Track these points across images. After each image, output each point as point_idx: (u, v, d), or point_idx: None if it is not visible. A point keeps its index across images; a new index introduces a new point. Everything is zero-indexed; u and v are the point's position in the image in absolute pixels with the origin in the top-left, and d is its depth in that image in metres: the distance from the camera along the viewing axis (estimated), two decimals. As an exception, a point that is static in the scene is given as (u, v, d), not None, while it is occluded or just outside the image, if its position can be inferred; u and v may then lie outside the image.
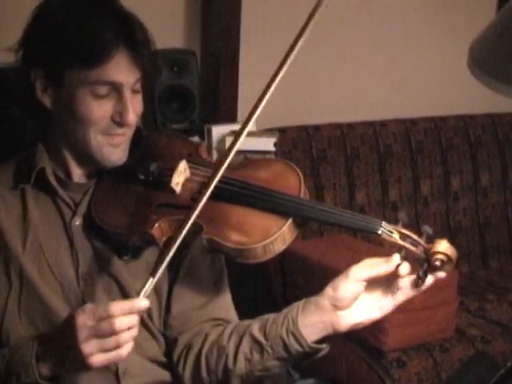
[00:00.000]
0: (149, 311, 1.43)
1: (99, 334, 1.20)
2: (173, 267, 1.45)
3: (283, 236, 1.31)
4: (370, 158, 2.95)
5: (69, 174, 1.44)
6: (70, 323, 1.22)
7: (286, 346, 1.32)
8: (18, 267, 1.39)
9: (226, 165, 1.32)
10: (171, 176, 1.39)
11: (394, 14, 3.13)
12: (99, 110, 1.35)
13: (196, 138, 2.64)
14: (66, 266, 1.41)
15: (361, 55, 3.06)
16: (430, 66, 3.24)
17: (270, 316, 1.37)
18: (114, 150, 1.40)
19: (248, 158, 1.50)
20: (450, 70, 3.10)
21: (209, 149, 1.45)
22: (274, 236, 1.30)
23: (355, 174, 2.90)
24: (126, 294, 1.42)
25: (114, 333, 1.19)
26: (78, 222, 1.42)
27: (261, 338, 1.34)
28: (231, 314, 1.50)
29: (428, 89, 3.26)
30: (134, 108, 1.37)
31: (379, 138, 2.98)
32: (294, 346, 1.31)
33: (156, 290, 1.43)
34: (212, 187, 1.30)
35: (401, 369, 2.27)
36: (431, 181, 3.08)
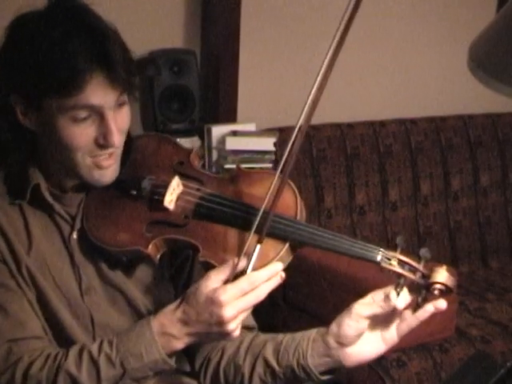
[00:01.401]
0: None
1: (247, 308, 1.26)
2: (180, 280, 1.47)
3: (281, 260, 1.30)
4: (370, 158, 2.95)
5: (61, 188, 1.42)
6: (211, 302, 1.24)
7: (296, 377, 1.35)
8: (28, 278, 1.37)
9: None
10: (164, 194, 1.36)
11: (393, 13, 3.13)
12: (81, 135, 1.31)
13: (196, 138, 2.64)
14: (70, 281, 1.39)
15: (361, 55, 3.06)
16: (430, 66, 3.24)
17: (284, 338, 1.39)
18: (105, 172, 1.37)
19: (240, 169, 1.44)
20: (450, 70, 3.10)
21: (201, 155, 1.40)
22: (272, 261, 1.29)
23: (355, 174, 2.90)
24: (131, 304, 1.42)
25: (257, 301, 1.26)
26: (75, 236, 1.40)
27: (273, 364, 1.37)
28: (247, 318, 1.49)
29: (428, 89, 3.27)
30: (119, 127, 1.33)
31: (379, 138, 2.98)
32: (304, 378, 1.35)
33: (156, 297, 1.44)
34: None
35: (401, 369, 2.27)
36: (431, 181, 3.08)
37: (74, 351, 1.31)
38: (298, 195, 1.36)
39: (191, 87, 2.62)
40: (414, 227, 3.01)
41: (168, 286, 1.47)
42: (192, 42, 2.76)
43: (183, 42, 2.76)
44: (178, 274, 1.49)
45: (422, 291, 1.26)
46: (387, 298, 1.27)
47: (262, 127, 2.77)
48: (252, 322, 1.49)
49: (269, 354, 1.38)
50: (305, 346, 1.34)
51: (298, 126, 1.26)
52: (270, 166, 2.63)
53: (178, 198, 1.38)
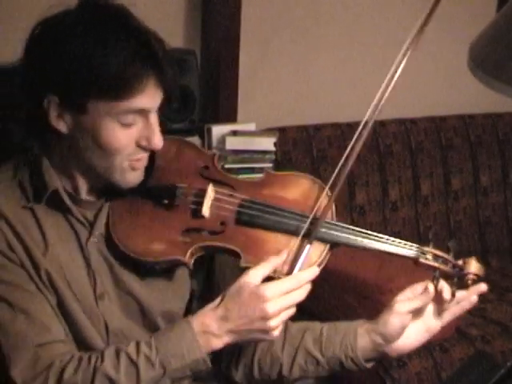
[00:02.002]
0: None
1: (289, 306, 1.27)
2: (199, 274, 1.47)
3: (322, 261, 1.35)
4: (370, 158, 2.95)
5: (76, 190, 1.39)
6: (256, 297, 1.25)
7: (342, 366, 1.40)
8: (48, 282, 1.34)
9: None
10: (202, 203, 1.36)
11: (393, 13, 3.13)
12: (126, 137, 1.30)
13: (196, 138, 2.64)
14: (85, 286, 1.37)
15: (361, 55, 3.06)
16: (430, 66, 3.24)
17: (323, 329, 1.43)
18: (136, 173, 1.36)
19: (269, 173, 1.46)
20: (450, 70, 3.10)
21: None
22: (316, 263, 1.34)
23: (355, 173, 2.90)
24: (144, 312, 1.41)
25: (298, 301, 1.28)
26: (94, 241, 1.38)
27: (317, 354, 1.41)
28: None
29: (428, 89, 3.26)
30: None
31: (379, 138, 2.98)
32: (351, 367, 1.40)
33: (170, 306, 1.44)
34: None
35: (401, 369, 2.27)
36: (431, 181, 3.08)
37: (109, 353, 1.29)
38: (332, 197, 1.40)
39: (191, 87, 2.61)
40: (414, 227, 3.01)
41: (185, 291, 1.47)
42: (192, 42, 2.76)
43: (183, 41, 2.76)
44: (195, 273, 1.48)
45: (455, 281, 1.34)
46: (426, 291, 1.34)
47: (262, 127, 2.77)
48: None
49: (310, 345, 1.41)
50: (352, 340, 1.39)
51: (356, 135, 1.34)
52: (270, 165, 2.63)
53: (211, 205, 1.38)
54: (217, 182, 1.41)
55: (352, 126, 2.95)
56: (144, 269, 1.38)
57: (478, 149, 3.19)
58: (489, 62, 1.05)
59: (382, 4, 3.09)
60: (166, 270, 1.40)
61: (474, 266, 1.33)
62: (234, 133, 2.65)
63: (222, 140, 2.63)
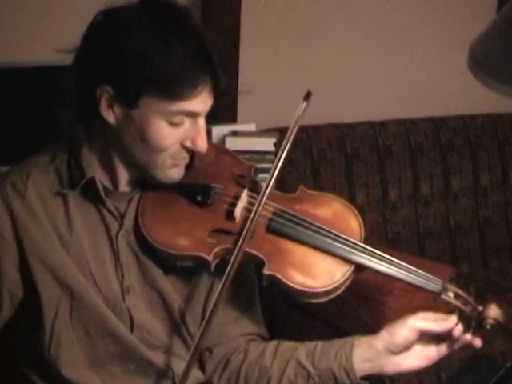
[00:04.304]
0: (186, 325, 1.43)
1: None
2: (208, 281, 1.45)
3: (346, 281, 1.35)
4: (370, 158, 2.95)
5: (115, 183, 1.39)
6: None
7: (335, 379, 1.37)
8: (64, 276, 1.34)
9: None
10: (235, 205, 1.37)
11: (393, 13, 3.13)
12: (172, 137, 1.32)
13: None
14: (111, 279, 1.37)
15: (361, 55, 3.06)
16: (429, 66, 3.24)
17: (317, 344, 1.40)
18: (177, 170, 1.38)
19: (303, 190, 1.48)
20: (450, 70, 3.10)
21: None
22: (338, 282, 1.34)
23: (355, 174, 2.90)
24: (168, 307, 1.41)
25: None
26: (124, 235, 1.38)
27: (308, 367, 1.38)
28: (262, 327, 1.52)
29: (428, 89, 3.26)
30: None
31: (379, 138, 2.98)
32: (344, 381, 1.37)
33: (191, 303, 1.43)
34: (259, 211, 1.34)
35: (401, 369, 2.27)
36: (431, 181, 3.08)
37: None
38: (361, 221, 1.41)
39: (191, 87, 2.61)
40: (414, 227, 3.01)
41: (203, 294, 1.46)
42: (192, 42, 2.76)
43: (183, 42, 2.76)
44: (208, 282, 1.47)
45: (473, 323, 1.33)
46: (448, 320, 1.33)
47: (262, 127, 2.77)
48: (266, 334, 1.51)
49: (302, 357, 1.39)
50: (348, 350, 1.36)
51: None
52: (270, 166, 2.63)
53: (244, 209, 1.39)
54: (252, 191, 1.43)
55: (352, 126, 2.95)
56: (168, 264, 1.38)
57: (477, 149, 3.19)
58: (489, 62, 1.05)
59: (383, 4, 3.09)
60: (188, 270, 1.40)
61: (494, 311, 1.32)
62: (234, 133, 2.65)
63: (222, 140, 2.62)
